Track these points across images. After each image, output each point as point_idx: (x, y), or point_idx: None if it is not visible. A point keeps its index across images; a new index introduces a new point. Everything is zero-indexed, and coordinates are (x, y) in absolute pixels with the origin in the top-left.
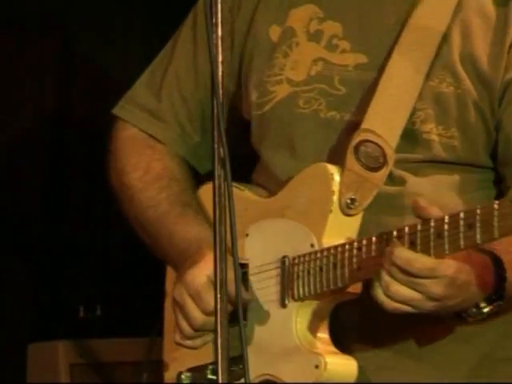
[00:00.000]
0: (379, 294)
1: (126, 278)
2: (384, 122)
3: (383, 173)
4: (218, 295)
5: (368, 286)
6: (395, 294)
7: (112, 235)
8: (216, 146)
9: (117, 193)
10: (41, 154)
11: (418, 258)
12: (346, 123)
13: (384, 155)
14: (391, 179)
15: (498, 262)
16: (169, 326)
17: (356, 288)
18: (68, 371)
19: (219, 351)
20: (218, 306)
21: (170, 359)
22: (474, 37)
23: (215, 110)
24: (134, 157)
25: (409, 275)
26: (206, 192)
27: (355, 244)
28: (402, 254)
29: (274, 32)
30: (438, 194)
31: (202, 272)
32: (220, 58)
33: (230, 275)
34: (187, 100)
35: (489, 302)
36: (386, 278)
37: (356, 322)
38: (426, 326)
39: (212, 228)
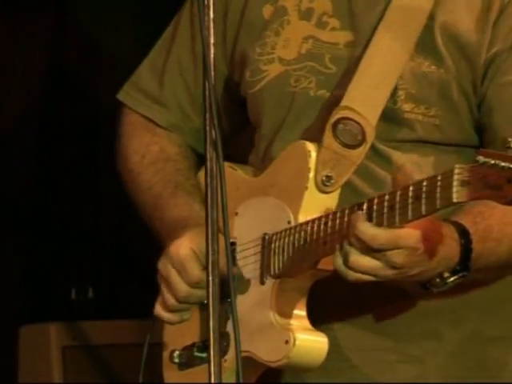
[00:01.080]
0: (340, 264)
1: (117, 260)
2: (364, 99)
3: (361, 150)
4: (210, 278)
5: None
6: (355, 263)
7: (103, 217)
8: (208, 128)
9: (122, 177)
10: (31, 133)
11: (381, 233)
12: (335, 102)
13: (363, 133)
14: (378, 156)
15: (464, 233)
16: None
17: (329, 265)
18: (60, 353)
19: (211, 334)
20: (210, 290)
21: (168, 339)
22: (458, 13)
23: (207, 93)
24: (135, 142)
25: (372, 249)
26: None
27: (323, 219)
28: (367, 229)
29: (267, 11)
30: (423, 175)
31: (186, 244)
32: (212, 40)
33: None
34: (189, 83)
35: (453, 272)
36: (346, 247)
37: (337, 300)
38: (386, 302)
39: (203, 207)
